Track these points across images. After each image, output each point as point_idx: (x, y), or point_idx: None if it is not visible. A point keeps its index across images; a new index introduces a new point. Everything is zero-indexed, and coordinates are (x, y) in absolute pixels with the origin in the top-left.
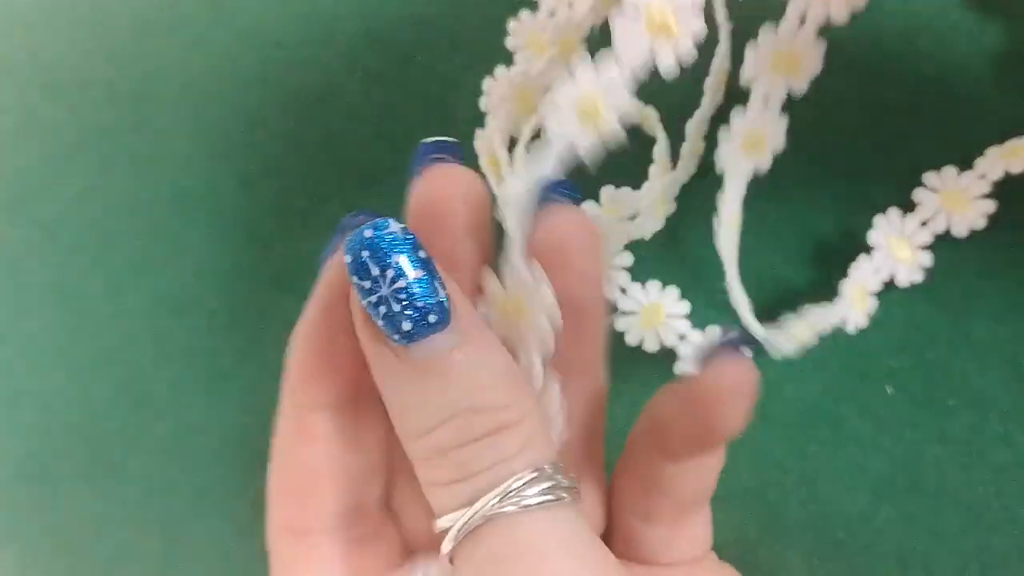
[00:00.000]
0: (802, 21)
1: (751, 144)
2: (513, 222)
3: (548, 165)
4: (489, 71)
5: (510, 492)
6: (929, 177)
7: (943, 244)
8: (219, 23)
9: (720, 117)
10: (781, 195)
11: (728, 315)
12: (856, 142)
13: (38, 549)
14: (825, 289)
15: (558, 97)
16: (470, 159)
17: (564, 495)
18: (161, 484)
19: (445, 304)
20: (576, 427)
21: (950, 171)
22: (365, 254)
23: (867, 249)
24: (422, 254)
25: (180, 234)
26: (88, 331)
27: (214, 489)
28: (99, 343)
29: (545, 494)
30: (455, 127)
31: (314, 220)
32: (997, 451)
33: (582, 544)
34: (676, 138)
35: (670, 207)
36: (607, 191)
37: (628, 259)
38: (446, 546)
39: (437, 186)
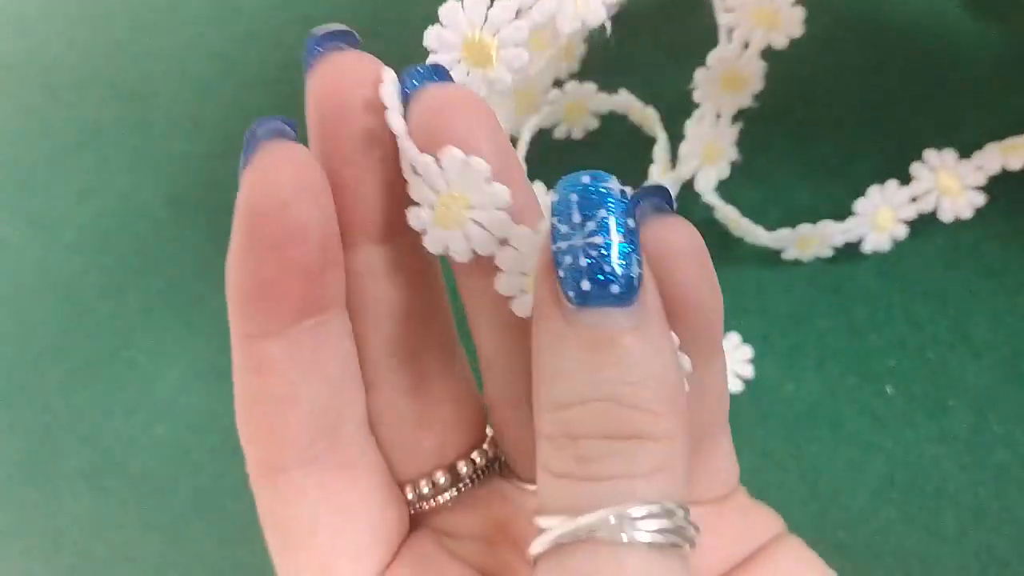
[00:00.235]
0: (746, 45)
1: (708, 156)
2: (394, 115)
3: (519, 31)
4: None
5: (626, 517)
6: (929, 155)
7: (943, 244)
8: (219, 23)
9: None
10: (770, 179)
11: (727, 314)
12: (852, 130)
13: (38, 549)
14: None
15: None
16: None
17: (682, 543)
18: (161, 484)
19: (635, 281)
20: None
21: (950, 154)
22: (574, 197)
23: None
24: (631, 223)
25: (180, 234)
26: (88, 331)
27: (214, 489)
28: (99, 343)
29: (664, 534)
30: None
31: None
32: (997, 451)
33: None
34: (676, 138)
35: None
36: None
37: None
38: (535, 548)
39: (339, 77)
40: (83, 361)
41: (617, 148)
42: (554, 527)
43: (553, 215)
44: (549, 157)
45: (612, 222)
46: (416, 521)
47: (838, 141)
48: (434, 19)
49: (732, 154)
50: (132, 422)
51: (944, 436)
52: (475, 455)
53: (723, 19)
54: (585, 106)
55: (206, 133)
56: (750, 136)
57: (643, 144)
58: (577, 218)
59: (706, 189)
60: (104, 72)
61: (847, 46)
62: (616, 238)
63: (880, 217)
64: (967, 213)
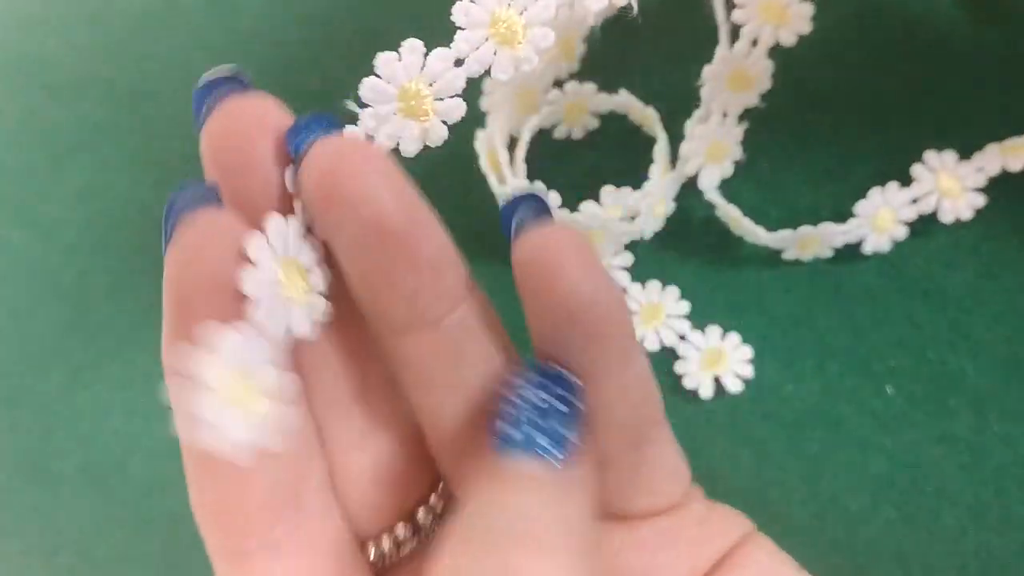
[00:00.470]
0: (754, 43)
1: (713, 154)
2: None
3: (457, 80)
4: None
5: None
6: (930, 156)
7: (943, 244)
8: (219, 23)
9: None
10: (771, 180)
11: (727, 314)
12: (852, 131)
13: (38, 549)
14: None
15: (473, 12)
16: (469, 158)
17: None
18: (161, 484)
19: (568, 448)
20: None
21: (950, 155)
22: (538, 378)
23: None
24: (580, 405)
25: None
26: (88, 331)
27: None
28: (99, 343)
29: None
30: (455, 127)
31: None
32: (997, 451)
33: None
34: (676, 138)
35: (670, 207)
36: (607, 191)
37: (628, 259)
38: None
39: (227, 126)
40: (83, 361)
41: (617, 148)
42: None
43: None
44: (549, 157)
45: (569, 405)
46: None
47: (838, 143)
48: (434, 15)
49: (736, 153)
50: (132, 422)
51: (944, 436)
52: (432, 499)
53: (722, 17)
54: (585, 106)
55: None
56: (751, 137)
57: (643, 144)
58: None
59: (709, 187)
60: (104, 72)
61: (847, 47)
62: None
63: (880, 218)
64: (967, 214)
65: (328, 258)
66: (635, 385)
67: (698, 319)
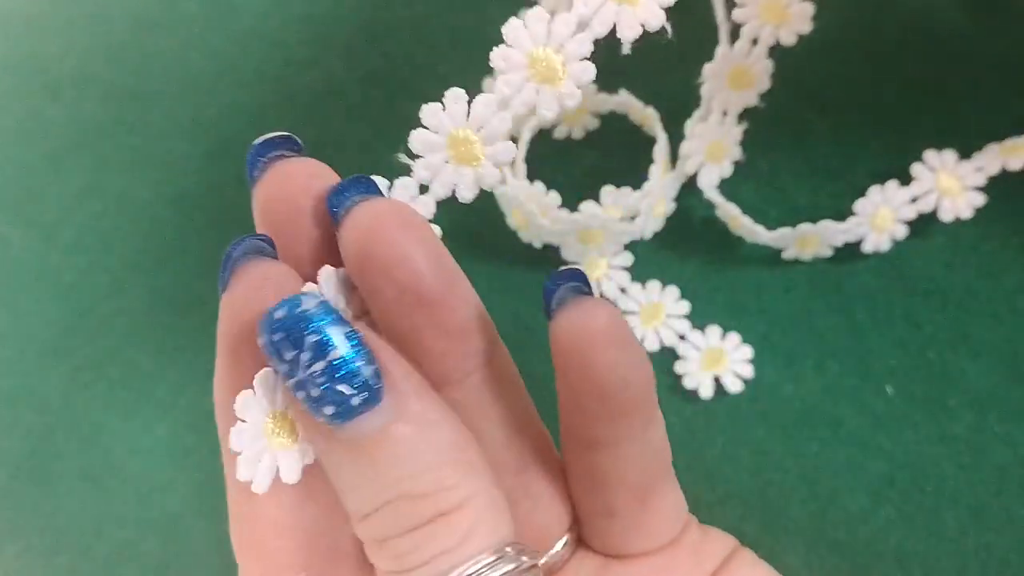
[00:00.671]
0: (754, 42)
1: (713, 154)
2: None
3: (503, 124)
4: (489, 71)
5: None
6: (929, 155)
7: (943, 244)
8: (219, 23)
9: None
10: (770, 180)
11: (727, 314)
12: (852, 130)
13: (38, 549)
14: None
15: (511, 56)
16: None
17: None
18: (161, 484)
19: (371, 382)
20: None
21: (950, 154)
22: (277, 336)
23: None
24: (341, 329)
25: (180, 234)
26: (88, 331)
27: (214, 489)
28: (99, 343)
29: None
30: None
31: None
32: (997, 451)
33: None
34: (676, 138)
35: (670, 207)
36: (607, 191)
37: (628, 259)
38: None
39: (279, 188)
40: (83, 361)
41: (617, 148)
42: None
43: (269, 358)
44: (549, 157)
45: (321, 342)
46: None
47: (838, 142)
48: (435, 17)
49: (736, 153)
50: (132, 422)
51: (944, 436)
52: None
53: (721, 16)
54: (585, 106)
55: (206, 133)
56: (751, 137)
57: (643, 144)
58: (290, 355)
59: (708, 186)
60: (104, 72)
61: (847, 46)
62: (334, 354)
63: (880, 217)
64: (967, 213)
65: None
66: (651, 446)
67: (698, 319)
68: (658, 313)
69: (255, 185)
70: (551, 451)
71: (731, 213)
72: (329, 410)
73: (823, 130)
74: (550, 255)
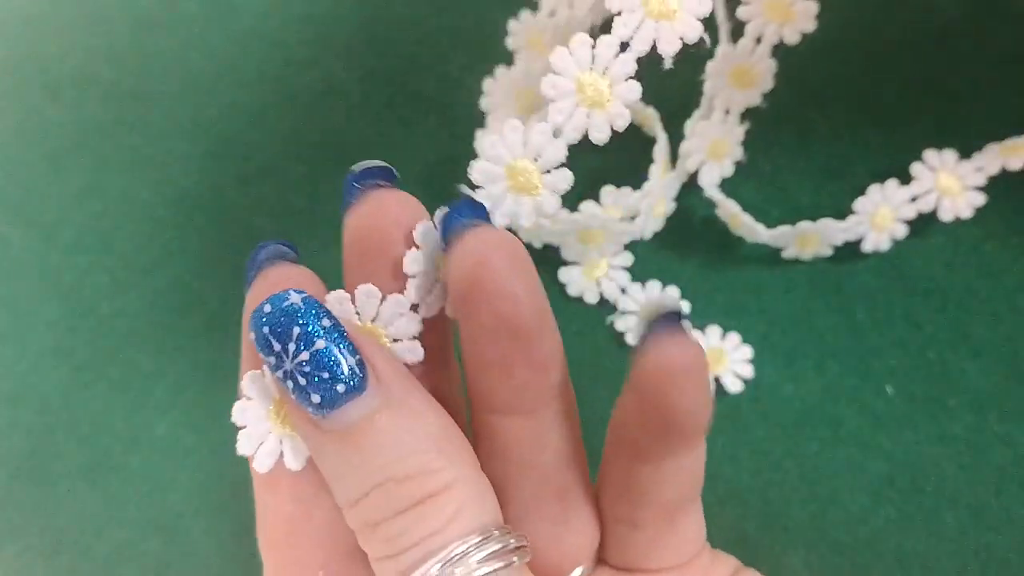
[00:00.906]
0: (758, 41)
1: (714, 152)
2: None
3: (558, 151)
4: (489, 71)
5: (452, 559)
6: (929, 155)
7: (943, 244)
8: (219, 23)
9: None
10: (771, 179)
11: (727, 314)
12: (852, 130)
13: (38, 549)
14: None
15: (560, 83)
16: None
17: (514, 559)
18: (161, 484)
19: (356, 370)
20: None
21: (950, 154)
22: (265, 330)
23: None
24: (325, 322)
25: (180, 234)
26: (88, 331)
27: (214, 489)
28: (99, 343)
29: (492, 560)
30: (455, 127)
31: (314, 220)
32: (997, 451)
33: None
34: (676, 138)
35: (670, 207)
36: (607, 191)
37: (628, 259)
38: None
39: (370, 216)
40: (83, 361)
41: (617, 148)
42: None
43: (259, 352)
44: None
45: (305, 334)
46: None
47: (838, 141)
48: (435, 17)
49: (737, 154)
50: (132, 422)
51: (944, 436)
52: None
53: (722, 16)
54: None
55: (206, 133)
56: (752, 136)
57: (643, 144)
58: (277, 346)
59: (709, 184)
60: (104, 72)
61: (848, 46)
62: (320, 344)
63: (880, 216)
64: (967, 213)
65: (426, 335)
66: (690, 468)
67: (698, 319)
68: None
69: (348, 210)
70: (587, 477)
71: (731, 211)
72: (316, 399)
73: (824, 129)
74: (550, 255)
